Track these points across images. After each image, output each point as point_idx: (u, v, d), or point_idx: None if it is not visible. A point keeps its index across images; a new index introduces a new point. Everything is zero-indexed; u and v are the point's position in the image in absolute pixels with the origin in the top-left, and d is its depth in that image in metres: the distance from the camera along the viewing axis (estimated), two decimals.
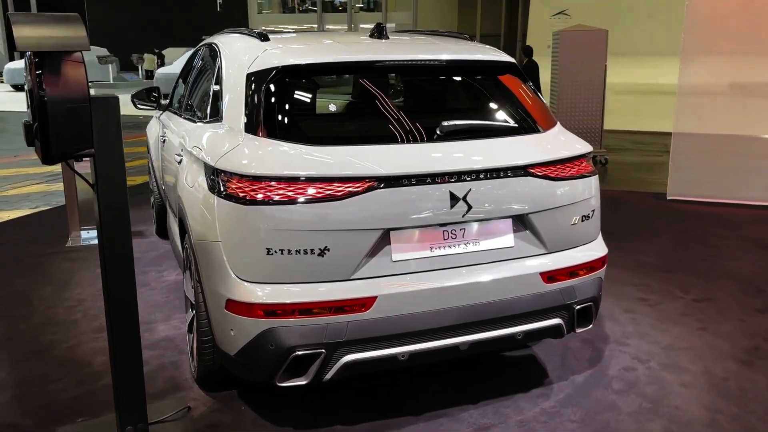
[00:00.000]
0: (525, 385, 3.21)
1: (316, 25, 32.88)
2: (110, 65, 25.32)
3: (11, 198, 7.52)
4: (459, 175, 2.66)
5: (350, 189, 2.53)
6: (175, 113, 4.34)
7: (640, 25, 22.98)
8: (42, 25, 2.23)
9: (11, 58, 25.18)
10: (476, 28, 39.43)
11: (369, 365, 2.66)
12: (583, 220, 2.99)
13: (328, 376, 2.61)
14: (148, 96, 4.70)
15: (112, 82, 24.62)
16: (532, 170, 2.82)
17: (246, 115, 2.80)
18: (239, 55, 3.15)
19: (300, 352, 2.54)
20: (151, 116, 5.56)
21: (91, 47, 28.41)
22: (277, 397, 3.08)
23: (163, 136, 4.47)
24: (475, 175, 2.69)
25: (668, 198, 7.06)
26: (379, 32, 3.25)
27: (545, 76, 10.28)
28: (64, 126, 2.28)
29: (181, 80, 4.74)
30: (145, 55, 26.72)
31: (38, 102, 2.22)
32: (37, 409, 3.05)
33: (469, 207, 2.68)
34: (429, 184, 2.62)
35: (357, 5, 34.72)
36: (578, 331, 3.04)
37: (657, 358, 3.51)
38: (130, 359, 2.65)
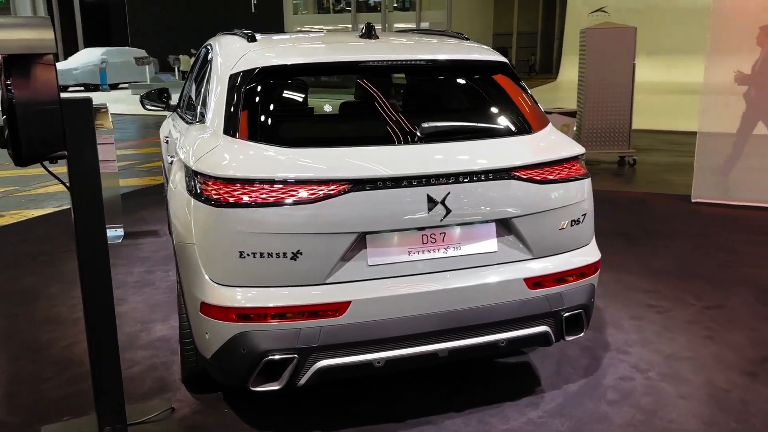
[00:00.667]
0: (515, 394, 3.12)
1: (350, 25, 32.92)
2: (147, 66, 25.79)
3: (38, 197, 7.69)
4: (437, 178, 2.59)
5: (324, 192, 2.49)
6: (179, 114, 4.37)
7: (682, 23, 22.39)
8: (10, 27, 2.24)
9: None
10: (513, 27, 39.06)
11: (343, 371, 2.61)
12: (572, 225, 2.89)
13: (302, 381, 2.57)
14: (159, 97, 4.74)
15: (149, 82, 25.08)
16: (517, 173, 2.73)
17: (225, 116, 2.78)
18: (225, 56, 3.13)
19: (272, 357, 2.50)
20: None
21: (129, 48, 29.20)
22: (261, 401, 3.05)
23: (167, 137, 4.51)
24: (455, 178, 2.61)
25: (693, 200, 6.83)
26: (368, 32, 3.20)
27: (572, 74, 10.09)
28: (34, 128, 2.29)
29: (188, 80, 4.77)
30: (181, 57, 27.14)
31: (7, 105, 2.23)
32: (26, 407, 3.09)
33: (448, 211, 2.60)
34: (405, 187, 2.56)
35: (392, 5, 34.67)
36: (568, 339, 2.94)
37: (657, 367, 3.38)
38: (108, 361, 2.66)
